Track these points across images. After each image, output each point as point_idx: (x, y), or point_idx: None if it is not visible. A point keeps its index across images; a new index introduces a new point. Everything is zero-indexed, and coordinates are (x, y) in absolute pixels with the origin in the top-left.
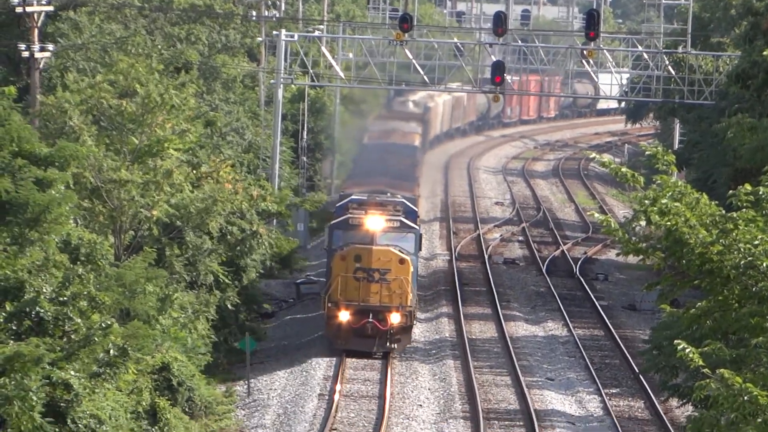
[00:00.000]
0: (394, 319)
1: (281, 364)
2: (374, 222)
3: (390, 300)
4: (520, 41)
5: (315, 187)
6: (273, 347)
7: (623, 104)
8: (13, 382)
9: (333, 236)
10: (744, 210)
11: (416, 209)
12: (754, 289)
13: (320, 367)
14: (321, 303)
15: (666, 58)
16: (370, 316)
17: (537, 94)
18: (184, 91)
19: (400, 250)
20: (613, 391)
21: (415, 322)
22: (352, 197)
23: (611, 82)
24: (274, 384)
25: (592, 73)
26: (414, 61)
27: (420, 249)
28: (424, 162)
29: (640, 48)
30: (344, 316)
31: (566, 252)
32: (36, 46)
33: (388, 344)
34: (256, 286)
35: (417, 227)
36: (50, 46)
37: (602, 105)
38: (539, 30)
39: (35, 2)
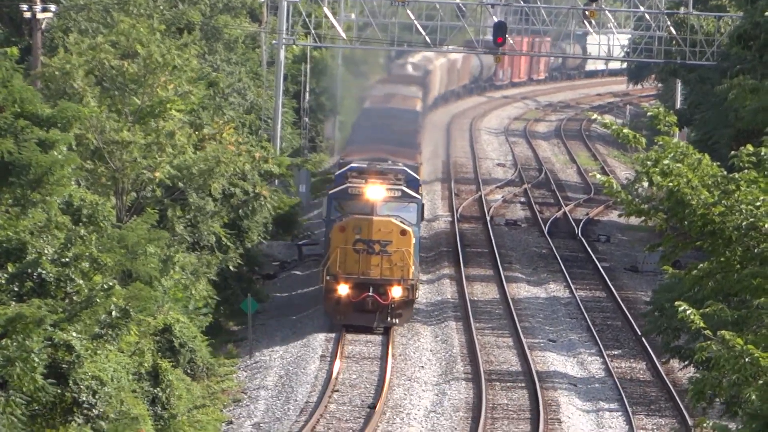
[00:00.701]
0: (396, 292)
1: (283, 326)
2: (374, 191)
3: (391, 273)
4: (522, 1)
5: (317, 148)
6: (275, 308)
7: (610, 65)
8: (14, 344)
9: (331, 206)
10: (746, 171)
11: (418, 178)
12: (755, 250)
13: (322, 328)
14: (319, 276)
15: (668, 19)
16: (371, 290)
17: (540, 54)
18: (186, 52)
19: (401, 221)
20: (615, 352)
21: (417, 295)
22: (352, 165)
23: (599, 43)
24: (276, 345)
25: (593, 33)
26: (416, 21)
27: (422, 219)
28: (426, 123)
29: (642, 8)
30: (343, 289)
31: (568, 213)
32: (38, 7)
33: (389, 319)
34: (258, 247)
35: (419, 197)
36: (52, 7)
37: (590, 66)
38: None
39: None
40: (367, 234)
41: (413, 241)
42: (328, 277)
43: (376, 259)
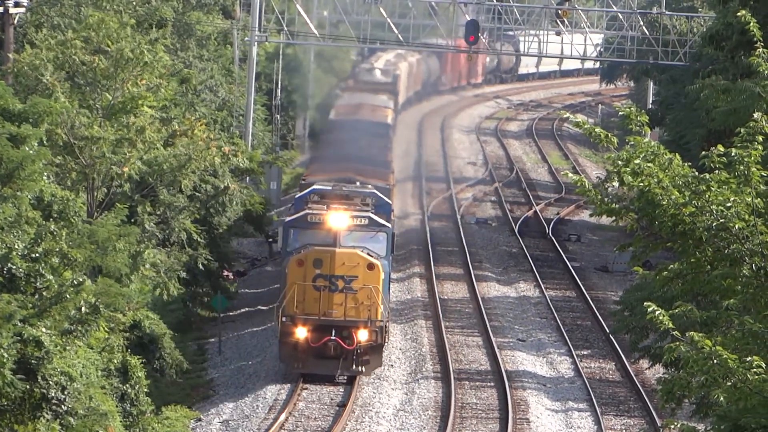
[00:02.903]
0: (362, 336)
1: (253, 323)
2: (337, 219)
3: (357, 314)
4: (495, 0)
5: (288, 146)
6: (245, 305)
7: (539, 69)
8: None
9: (288, 236)
10: (717, 172)
11: (390, 202)
12: (726, 251)
13: None
14: (274, 317)
15: (641, 19)
16: (333, 333)
17: (513, 53)
18: (156, 47)
19: (368, 253)
20: (585, 352)
21: (387, 339)
22: (314, 187)
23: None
24: (246, 342)
25: (566, 33)
26: (388, 19)
27: (392, 251)
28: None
29: (615, 8)
30: (301, 333)
31: (539, 212)
32: (10, 2)
33: (354, 367)
34: (229, 244)
35: (389, 225)
36: (24, 1)
37: (522, 70)
38: None
39: None
40: (328, 268)
41: (382, 276)
42: (283, 319)
43: (340, 297)
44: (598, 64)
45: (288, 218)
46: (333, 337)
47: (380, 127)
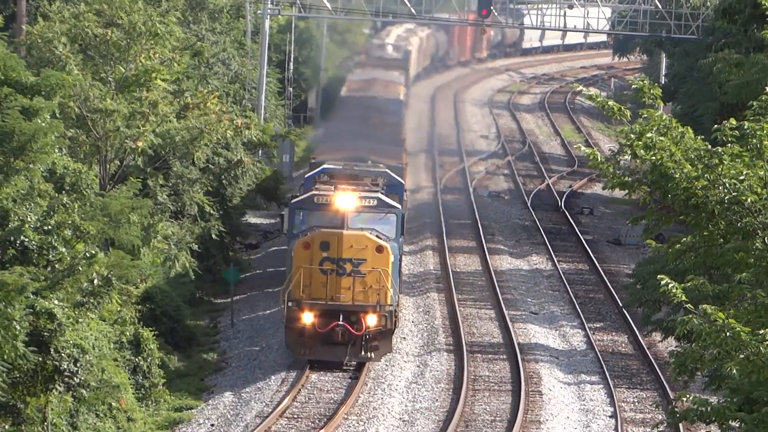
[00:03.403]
0: (371, 321)
1: (265, 295)
2: (345, 200)
3: (365, 298)
4: None
5: (301, 120)
6: (258, 277)
7: (543, 43)
8: None
9: (294, 218)
10: (729, 145)
11: (402, 181)
12: (738, 224)
13: None
14: (280, 302)
15: None
16: (341, 318)
17: (532, 27)
18: (167, 19)
19: (377, 235)
20: (597, 325)
21: (397, 324)
22: (324, 166)
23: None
24: (258, 314)
25: (578, 6)
26: None
27: (403, 233)
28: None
29: None
30: (308, 318)
31: (551, 185)
32: None
33: (362, 353)
34: (241, 217)
35: (398, 206)
36: None
37: (526, 44)
38: None
39: None
40: (336, 251)
41: (391, 258)
42: (289, 304)
43: (348, 281)
44: (604, 38)
45: (294, 199)
46: (341, 323)
47: (392, 103)
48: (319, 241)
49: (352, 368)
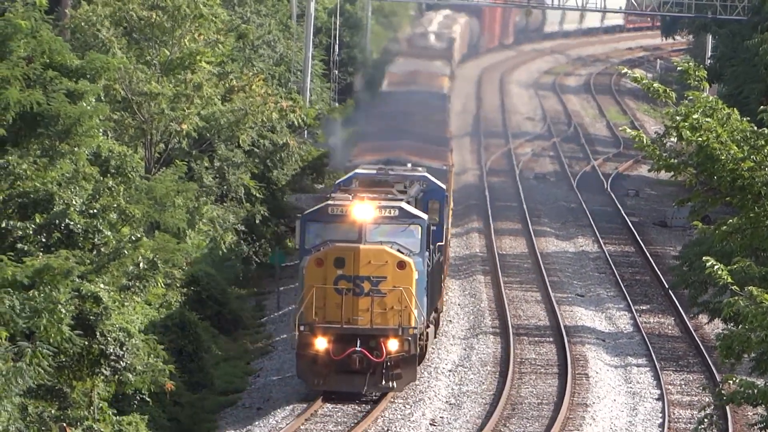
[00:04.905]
0: (392, 346)
1: None
2: (362, 210)
3: (385, 320)
4: None
5: (346, 102)
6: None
7: (563, 27)
8: (42, 295)
9: (306, 232)
10: None
11: (443, 187)
12: None
13: None
14: (291, 325)
15: None
16: (358, 344)
17: (575, 9)
18: (211, 1)
19: (398, 250)
20: (643, 307)
21: (426, 347)
22: (357, 171)
23: None
24: None
25: None
26: None
27: (428, 246)
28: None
29: None
30: (321, 344)
31: (597, 167)
32: None
33: (383, 382)
34: (287, 199)
35: (423, 216)
36: None
37: (548, 29)
38: None
39: None
40: (352, 268)
41: (415, 275)
42: (301, 328)
43: (365, 301)
44: (621, 22)
45: (306, 211)
46: (358, 349)
47: (436, 98)
48: (334, 257)
49: (373, 399)
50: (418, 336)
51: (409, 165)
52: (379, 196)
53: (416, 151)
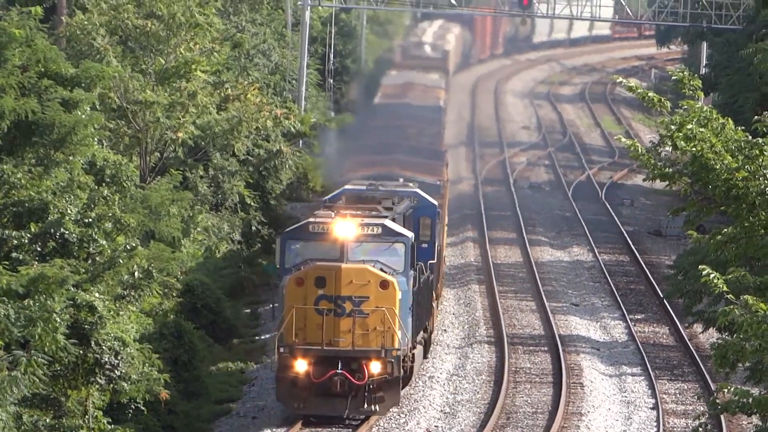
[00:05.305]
0: (374, 368)
1: None
2: (344, 228)
3: (367, 342)
4: None
5: (341, 111)
6: None
7: (551, 37)
8: (36, 304)
9: (286, 250)
10: None
11: (435, 203)
12: None
13: None
14: (271, 347)
15: None
16: (339, 366)
17: (567, 17)
18: (207, 9)
19: (381, 269)
20: (638, 316)
21: (412, 372)
22: (346, 187)
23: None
24: None
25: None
26: None
27: (413, 264)
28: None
29: None
30: (301, 366)
31: (592, 176)
32: None
33: (366, 405)
34: (281, 207)
35: (408, 234)
36: None
37: (536, 39)
38: None
39: None
40: (333, 288)
41: (398, 295)
42: (281, 350)
43: (347, 322)
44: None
45: (286, 229)
46: (339, 371)
47: (431, 111)
48: (314, 277)
49: (355, 424)
50: (402, 358)
51: (401, 180)
52: (362, 213)
53: (410, 165)
